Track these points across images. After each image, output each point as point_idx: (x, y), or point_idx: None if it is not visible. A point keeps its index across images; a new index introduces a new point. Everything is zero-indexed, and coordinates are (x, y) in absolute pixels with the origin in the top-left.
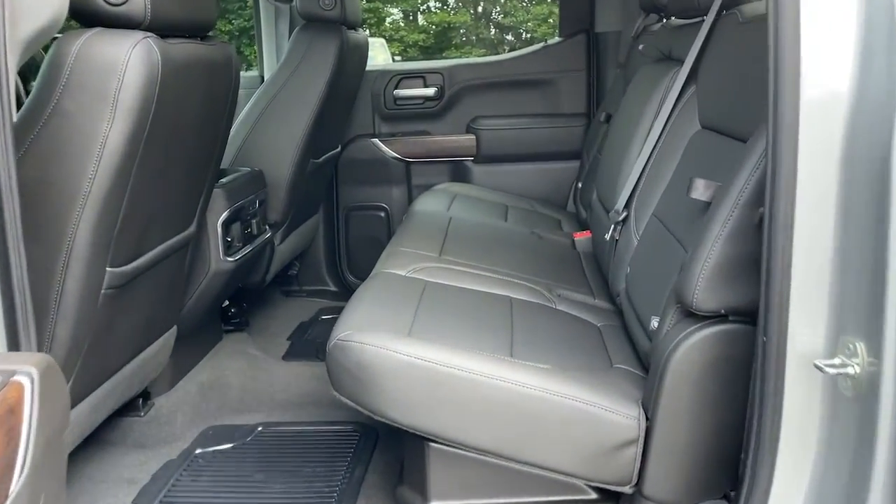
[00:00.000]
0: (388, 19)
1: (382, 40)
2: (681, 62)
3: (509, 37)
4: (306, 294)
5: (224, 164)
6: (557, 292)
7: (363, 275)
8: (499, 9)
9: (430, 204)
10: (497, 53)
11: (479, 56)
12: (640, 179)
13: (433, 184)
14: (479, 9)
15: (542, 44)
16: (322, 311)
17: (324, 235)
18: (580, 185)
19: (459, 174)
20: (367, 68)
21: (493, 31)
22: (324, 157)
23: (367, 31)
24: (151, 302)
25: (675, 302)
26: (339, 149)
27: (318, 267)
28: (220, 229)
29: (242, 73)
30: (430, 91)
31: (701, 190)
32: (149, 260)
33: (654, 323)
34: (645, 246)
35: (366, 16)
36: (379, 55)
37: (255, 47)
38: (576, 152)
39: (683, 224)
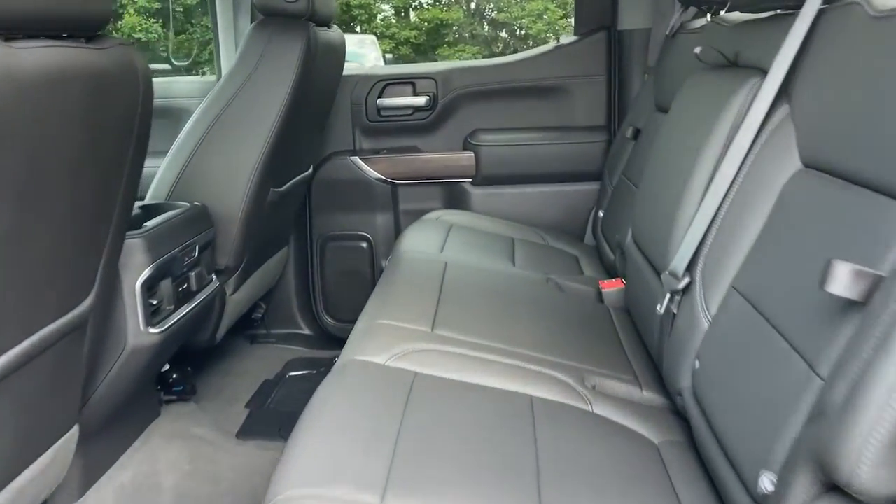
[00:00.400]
0: (380, 16)
1: (373, 37)
2: (759, 71)
3: (503, 33)
4: (275, 339)
5: (157, 198)
6: (592, 382)
7: (342, 315)
8: (492, 5)
9: (419, 241)
10: (491, 51)
11: (474, 55)
12: (709, 233)
13: (424, 209)
14: (473, 5)
15: (553, 44)
16: (291, 363)
17: (295, 270)
18: (601, 213)
19: (455, 198)
20: (346, 73)
21: (486, 28)
22: (289, 185)
23: (358, 28)
24: (23, 412)
25: (812, 466)
26: (310, 170)
27: (289, 307)
28: (139, 292)
29: (201, 79)
30: (421, 100)
31: (846, 282)
32: (8, 363)
33: (767, 485)
34: (723, 332)
35: (356, 12)
36: (370, 53)
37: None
38: (594, 173)
39: (789, 308)
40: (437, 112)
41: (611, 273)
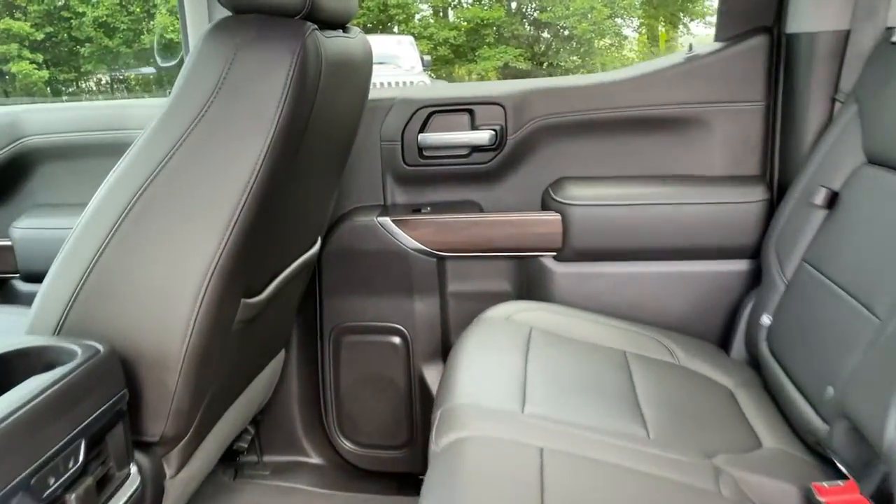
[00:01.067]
0: (417, 16)
1: (411, 38)
2: None
3: (545, 34)
4: (270, 471)
5: (41, 331)
6: None
7: (364, 438)
8: (535, 4)
9: (485, 372)
10: (533, 52)
11: (516, 56)
12: None
13: (483, 293)
14: (514, 4)
15: (683, 53)
16: None
17: (298, 373)
18: (767, 319)
19: (531, 280)
20: (373, 95)
21: (528, 28)
22: (276, 285)
23: (396, 28)
24: None
25: None
26: (317, 245)
27: (290, 425)
28: None
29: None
30: (483, 135)
31: None
32: None
33: None
34: None
35: (394, 11)
36: (408, 54)
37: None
38: (743, 249)
39: None
40: (506, 153)
41: (804, 437)
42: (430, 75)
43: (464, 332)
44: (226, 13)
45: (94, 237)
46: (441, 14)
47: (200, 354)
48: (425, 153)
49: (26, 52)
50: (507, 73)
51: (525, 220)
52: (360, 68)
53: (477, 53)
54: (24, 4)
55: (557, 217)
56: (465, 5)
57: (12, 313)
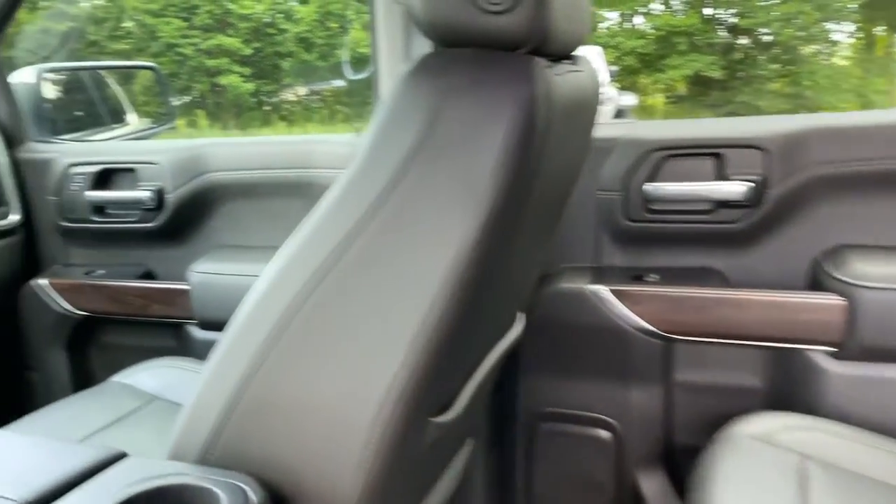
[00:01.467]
0: (603, 24)
1: (599, 48)
2: None
3: (742, 40)
4: None
5: (182, 457)
6: None
7: None
8: (734, 10)
9: None
10: (728, 60)
11: (709, 64)
12: None
13: (724, 387)
14: (710, 10)
15: None
16: None
17: (484, 466)
18: None
19: (794, 381)
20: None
21: (725, 33)
22: (469, 394)
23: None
24: None
25: None
26: (521, 324)
27: None
28: None
29: (358, 141)
30: (736, 188)
31: None
32: None
33: None
34: None
35: None
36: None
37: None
38: None
39: None
40: (766, 211)
41: None
42: (615, 86)
43: (706, 453)
44: (423, 48)
45: (254, 342)
46: (629, 22)
47: (376, 490)
48: (653, 207)
49: (235, 66)
50: (697, 81)
51: (791, 302)
52: (589, 107)
53: (665, 62)
54: (235, 22)
55: (842, 302)
56: (653, 12)
57: (179, 367)
